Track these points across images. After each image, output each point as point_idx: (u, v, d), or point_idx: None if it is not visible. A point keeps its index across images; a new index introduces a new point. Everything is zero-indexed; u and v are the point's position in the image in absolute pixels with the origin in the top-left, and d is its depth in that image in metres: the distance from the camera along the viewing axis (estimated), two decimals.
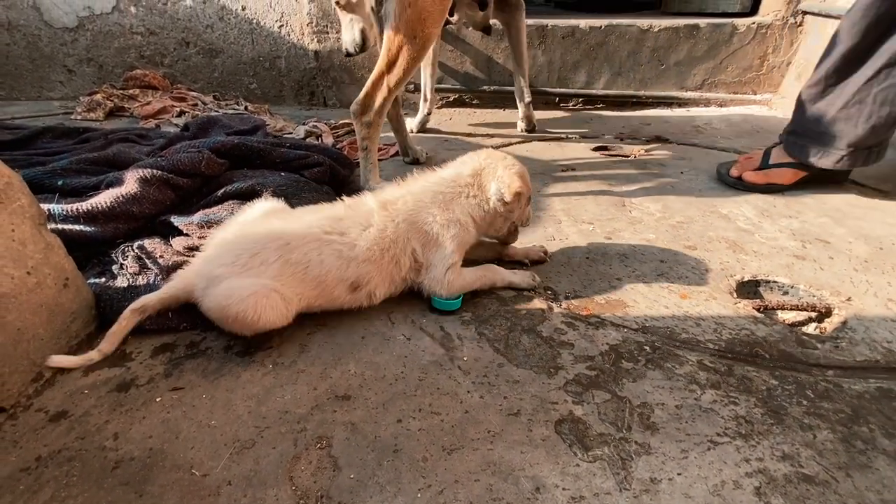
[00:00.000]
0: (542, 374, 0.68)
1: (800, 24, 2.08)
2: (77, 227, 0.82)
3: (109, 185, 0.91)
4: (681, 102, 2.20)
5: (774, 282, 0.94)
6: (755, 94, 2.20)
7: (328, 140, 1.75)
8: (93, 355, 0.68)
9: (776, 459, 0.56)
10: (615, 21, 2.12)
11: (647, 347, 0.74)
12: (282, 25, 2.17)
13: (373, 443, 0.58)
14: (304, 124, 1.90)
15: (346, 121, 1.95)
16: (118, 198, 0.85)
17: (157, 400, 0.64)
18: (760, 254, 1.02)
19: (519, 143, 1.85)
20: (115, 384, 0.67)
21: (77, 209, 0.82)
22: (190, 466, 0.55)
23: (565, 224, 1.15)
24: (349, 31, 1.42)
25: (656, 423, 0.60)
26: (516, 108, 2.29)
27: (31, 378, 0.65)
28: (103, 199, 0.84)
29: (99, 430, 0.60)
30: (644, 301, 0.86)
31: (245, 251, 0.72)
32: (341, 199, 0.84)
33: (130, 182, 0.87)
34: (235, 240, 0.76)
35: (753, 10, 2.21)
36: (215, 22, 2.19)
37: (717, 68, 2.16)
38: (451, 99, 2.29)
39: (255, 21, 2.19)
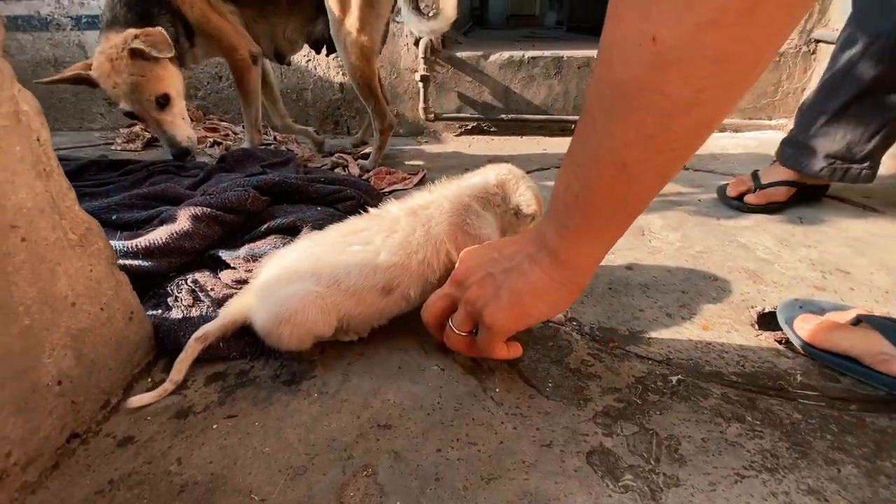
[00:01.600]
0: (572, 406, 0.71)
1: (813, 52, 2.12)
2: (136, 262, 0.89)
3: (163, 222, 0.98)
4: None
5: None
6: (770, 120, 2.23)
7: (354, 170, 1.83)
8: (167, 386, 0.74)
9: (802, 493, 0.58)
10: None
11: (673, 379, 0.77)
12: (309, 60, 2.29)
13: (415, 471, 0.62)
14: (330, 155, 1.99)
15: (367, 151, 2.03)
16: (172, 234, 0.92)
17: (214, 427, 0.69)
18: (781, 284, 1.04)
19: (537, 169, 1.90)
20: (175, 411, 0.72)
21: (136, 245, 0.89)
22: (249, 491, 0.59)
23: None
24: None
25: (684, 456, 0.63)
26: (534, 135, 2.37)
27: (100, 405, 0.70)
28: (159, 235, 0.91)
29: (163, 455, 0.65)
30: (667, 332, 0.89)
31: (289, 265, 0.80)
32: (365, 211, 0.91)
33: (183, 219, 0.94)
34: (280, 260, 0.83)
35: None
36: None
37: None
38: (469, 127, 2.37)
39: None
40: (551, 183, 1.71)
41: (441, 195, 0.89)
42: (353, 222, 0.88)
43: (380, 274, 0.80)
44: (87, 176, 1.62)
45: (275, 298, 0.77)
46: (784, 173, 1.43)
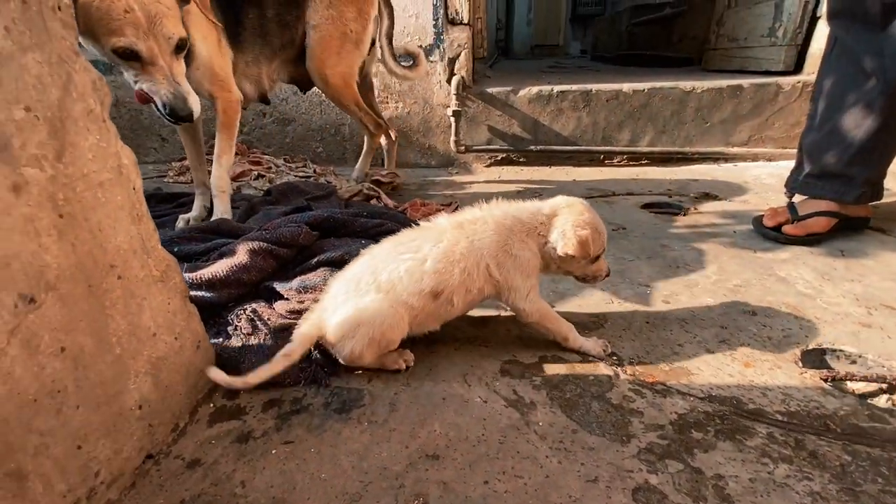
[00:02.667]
0: (616, 442, 0.73)
1: None
2: (199, 293, 0.96)
3: (222, 255, 1.06)
4: (728, 158, 2.24)
5: (841, 350, 0.95)
6: None
7: (388, 201, 1.91)
8: (249, 379, 0.80)
9: None
10: (658, 84, 2.22)
11: (716, 418, 0.77)
12: None
13: (465, 502, 0.64)
14: (364, 189, 2.07)
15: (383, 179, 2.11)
16: (232, 267, 0.99)
17: (273, 452, 0.74)
18: (824, 320, 1.03)
19: None
20: (236, 436, 0.77)
21: (200, 277, 0.97)
22: None
23: (622, 287, 1.20)
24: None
25: (731, 496, 0.63)
26: (563, 165, 2.42)
27: (171, 428, 0.76)
28: (220, 268, 0.99)
29: (228, 477, 0.69)
30: (708, 369, 0.89)
31: (353, 280, 0.88)
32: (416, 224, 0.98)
33: (241, 253, 1.02)
34: (345, 275, 0.91)
35: (797, 68, 2.26)
36: (289, 96, 2.47)
37: (763, 125, 2.20)
38: (499, 158, 2.44)
39: (323, 94, 2.46)
40: None
41: (489, 214, 0.94)
42: (405, 233, 0.95)
43: (427, 279, 0.87)
44: None
45: (349, 307, 0.85)
46: (824, 204, 1.42)
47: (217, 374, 0.80)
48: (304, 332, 0.86)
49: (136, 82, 1.20)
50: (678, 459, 0.69)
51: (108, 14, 1.08)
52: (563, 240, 0.90)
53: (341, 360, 0.88)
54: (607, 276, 0.99)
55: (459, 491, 0.66)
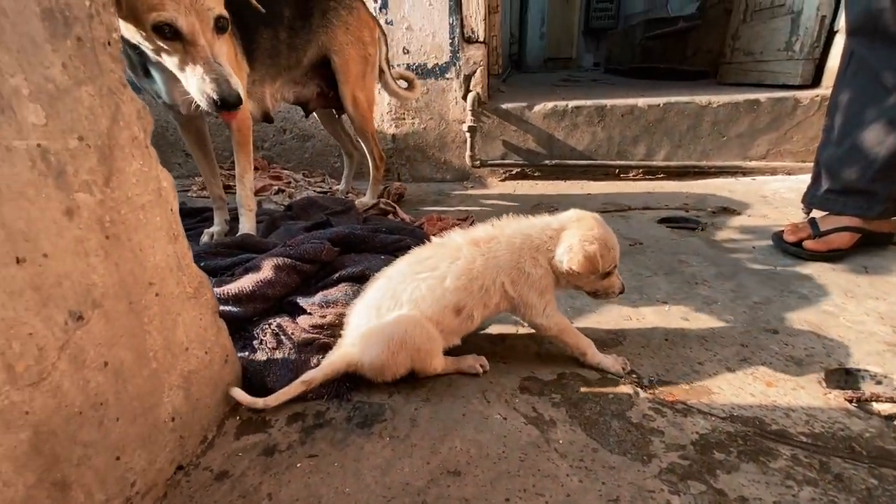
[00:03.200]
0: (637, 462, 0.73)
1: None
2: (226, 307, 0.99)
3: (247, 270, 1.10)
4: (745, 172, 2.23)
5: (866, 370, 0.94)
6: None
7: (404, 216, 1.94)
8: (269, 401, 0.84)
9: None
10: (673, 99, 2.23)
11: (739, 438, 0.77)
12: None
13: None
14: (380, 204, 2.11)
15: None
16: (258, 283, 1.02)
17: (298, 465, 0.75)
18: (847, 339, 1.02)
19: None
20: (262, 448, 0.79)
21: (227, 292, 1.00)
22: None
23: (640, 303, 1.20)
24: None
25: None
26: (577, 179, 2.43)
27: (199, 440, 0.79)
28: (246, 283, 1.02)
29: (255, 490, 0.71)
30: (729, 388, 0.89)
31: (372, 307, 0.90)
32: (429, 240, 1.00)
33: (266, 269, 1.05)
34: (364, 303, 0.93)
35: (815, 82, 2.25)
36: None
37: (781, 138, 2.19)
38: (514, 172, 2.46)
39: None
40: None
41: (501, 231, 0.96)
42: (418, 252, 0.97)
43: (449, 296, 0.89)
44: None
45: (376, 334, 0.86)
46: (846, 219, 1.41)
47: (240, 395, 0.82)
48: (331, 362, 0.88)
49: (180, 69, 1.15)
50: (700, 480, 0.69)
51: None
52: (569, 254, 0.89)
53: (384, 381, 0.90)
54: (621, 292, 0.98)
55: None
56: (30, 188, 0.50)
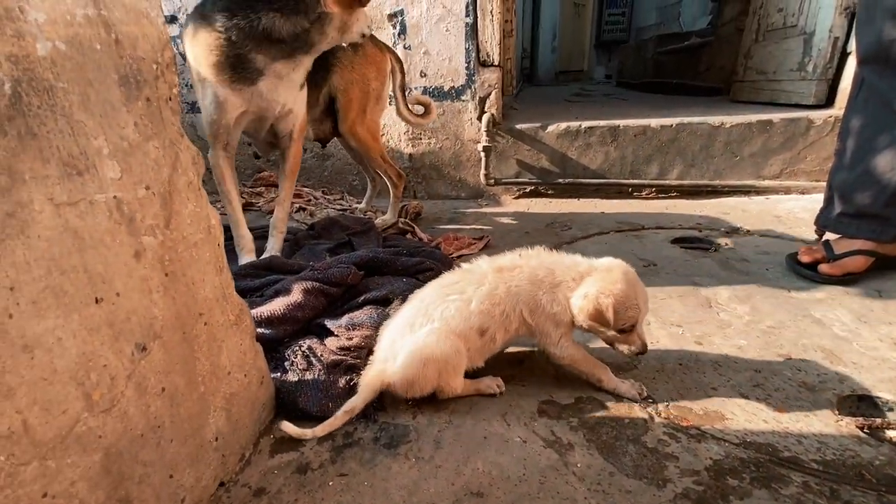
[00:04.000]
0: (652, 486, 0.76)
1: None
2: (259, 329, 1.05)
3: (277, 293, 1.16)
4: (759, 191, 2.25)
5: (878, 397, 0.96)
6: None
7: (421, 235, 1.99)
8: (316, 431, 0.89)
9: None
10: (686, 119, 2.27)
11: (751, 465, 0.80)
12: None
13: None
14: (399, 223, 2.18)
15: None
16: (289, 305, 1.08)
17: (330, 484, 0.80)
18: (861, 365, 1.04)
19: (597, 234, 1.98)
20: (295, 467, 0.84)
21: (260, 315, 1.06)
22: None
23: (654, 326, 1.24)
24: None
25: None
26: (591, 198, 2.47)
27: (238, 458, 0.84)
28: (277, 306, 1.08)
29: None
30: (742, 414, 0.92)
31: (406, 325, 0.96)
32: (459, 266, 1.05)
33: (296, 292, 1.11)
34: (397, 321, 0.99)
35: (828, 102, 2.27)
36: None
37: (795, 158, 2.21)
38: (527, 190, 2.51)
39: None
40: (609, 246, 1.78)
41: (526, 262, 1.00)
42: (447, 276, 1.03)
43: (474, 318, 0.95)
44: None
45: (409, 346, 0.92)
46: (859, 242, 1.43)
47: (289, 428, 0.88)
48: (367, 384, 0.94)
49: None
50: None
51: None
52: (582, 302, 0.91)
53: (411, 396, 0.95)
54: (641, 353, 0.96)
55: None
56: (107, 236, 0.57)
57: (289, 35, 1.33)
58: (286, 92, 1.51)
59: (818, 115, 2.14)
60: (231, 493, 0.79)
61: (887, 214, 1.39)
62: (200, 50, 1.36)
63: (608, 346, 1.01)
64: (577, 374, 1.01)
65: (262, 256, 1.54)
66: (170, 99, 0.68)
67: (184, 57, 1.48)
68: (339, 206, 2.44)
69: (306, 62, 1.49)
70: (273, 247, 1.59)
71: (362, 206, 2.33)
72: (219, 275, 0.78)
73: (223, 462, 0.79)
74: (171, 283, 0.67)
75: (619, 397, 0.97)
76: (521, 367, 1.10)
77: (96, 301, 0.55)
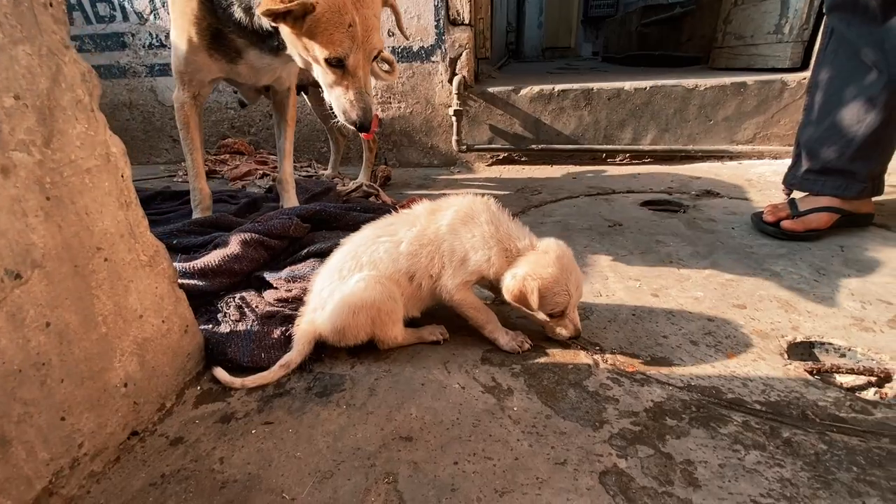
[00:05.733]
0: (588, 427, 0.73)
1: None
2: (192, 281, 0.99)
3: (216, 246, 1.10)
4: (732, 156, 2.22)
5: (830, 344, 0.94)
6: None
7: (386, 198, 1.93)
8: (246, 382, 0.85)
9: None
10: (660, 82, 2.21)
11: (692, 406, 0.77)
12: None
13: (433, 481, 0.65)
14: (363, 186, 2.11)
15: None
16: (224, 257, 1.02)
17: (253, 432, 0.76)
18: (815, 314, 1.02)
19: (566, 198, 1.93)
20: (219, 416, 0.80)
21: (193, 266, 1.00)
22: (281, 491, 0.65)
23: (612, 280, 1.20)
24: None
25: (699, 480, 0.63)
26: (564, 164, 2.42)
27: (157, 408, 0.79)
28: (213, 258, 1.02)
29: (208, 454, 0.72)
30: (690, 360, 0.89)
31: (335, 270, 0.91)
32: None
33: (234, 244, 1.05)
34: (328, 267, 0.94)
35: (804, 65, 2.23)
36: None
37: (768, 122, 2.17)
38: (500, 157, 2.45)
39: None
40: (577, 211, 1.74)
41: (466, 204, 0.94)
42: (383, 219, 0.98)
43: (402, 260, 0.90)
44: (153, 205, 1.81)
45: (338, 294, 0.87)
46: (825, 199, 1.40)
47: (220, 374, 0.84)
48: (302, 335, 0.89)
49: (329, 87, 1.21)
50: (649, 445, 0.69)
51: (339, 22, 1.10)
52: (510, 282, 0.87)
53: (345, 345, 0.90)
54: (573, 337, 0.91)
55: (429, 470, 0.67)
56: None
57: (260, 29, 1.21)
58: (269, 73, 1.44)
59: (792, 78, 2.10)
60: (146, 443, 0.74)
61: (853, 169, 1.36)
62: (181, 4, 1.26)
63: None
64: (466, 319, 0.95)
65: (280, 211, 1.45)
66: (50, 5, 0.60)
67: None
68: (306, 174, 2.35)
69: (288, 57, 1.31)
70: (290, 202, 1.54)
71: (328, 171, 2.26)
72: (124, 209, 0.72)
73: (136, 410, 0.74)
74: (56, 209, 0.61)
75: (565, 344, 0.93)
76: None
77: None
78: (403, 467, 0.68)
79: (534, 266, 0.87)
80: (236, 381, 0.84)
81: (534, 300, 0.84)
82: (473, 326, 0.96)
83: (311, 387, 0.86)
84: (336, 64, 1.16)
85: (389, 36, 2.28)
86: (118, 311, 0.70)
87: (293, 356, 0.88)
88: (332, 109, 1.23)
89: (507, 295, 0.88)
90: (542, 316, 0.91)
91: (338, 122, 1.24)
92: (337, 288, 0.87)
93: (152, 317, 0.77)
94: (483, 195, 0.99)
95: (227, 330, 0.92)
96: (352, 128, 1.23)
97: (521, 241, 0.92)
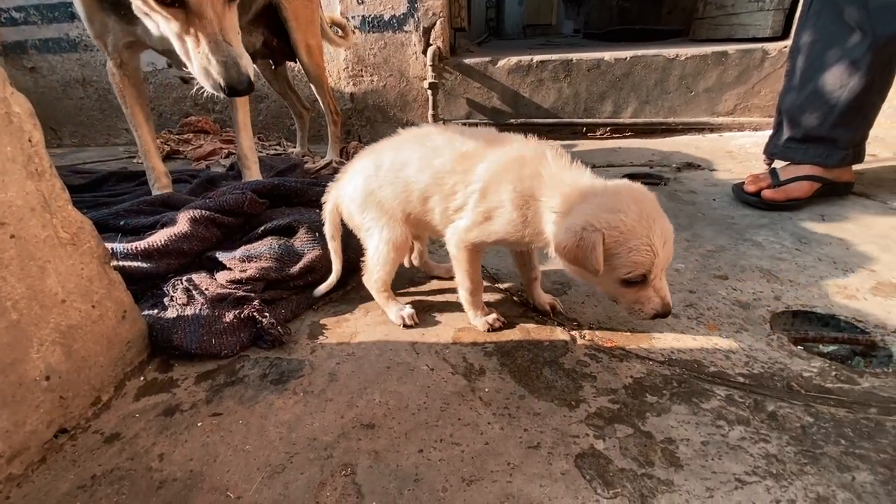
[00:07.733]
0: (564, 407, 0.68)
1: None
2: (136, 263, 0.90)
3: (164, 225, 1.00)
4: (713, 128, 2.18)
5: (812, 313, 0.91)
6: None
7: None
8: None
9: (810, 501, 0.53)
10: (640, 52, 2.14)
11: (673, 381, 0.73)
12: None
13: (395, 471, 0.60)
14: (333, 163, 2.01)
15: None
16: (171, 236, 0.93)
17: (199, 425, 0.69)
18: (797, 283, 0.98)
19: None
20: (163, 409, 0.72)
21: (136, 247, 0.91)
22: (226, 489, 0.58)
23: None
24: None
25: (680, 459, 0.59)
26: (544, 138, 2.34)
27: (90, 402, 0.71)
28: (158, 237, 0.93)
29: (146, 451, 0.65)
30: (671, 333, 0.84)
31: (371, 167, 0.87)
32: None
33: (182, 222, 0.96)
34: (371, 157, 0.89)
35: (784, 33, 2.19)
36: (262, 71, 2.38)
37: (749, 93, 2.13)
38: None
39: (296, 69, 2.37)
40: None
41: (518, 147, 0.80)
42: (434, 131, 0.85)
43: (424, 180, 0.80)
44: (106, 186, 1.69)
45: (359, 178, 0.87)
46: (806, 168, 1.37)
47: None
48: (329, 208, 0.93)
49: (179, 40, 0.96)
50: (628, 424, 0.65)
51: None
52: (562, 235, 0.66)
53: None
54: (658, 316, 0.70)
55: (391, 460, 0.61)
56: None
57: None
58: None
59: (773, 46, 2.06)
60: (77, 441, 0.67)
61: (834, 136, 1.32)
62: None
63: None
64: (455, 272, 0.87)
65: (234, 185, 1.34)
66: None
67: None
68: (274, 152, 2.24)
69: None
70: (252, 179, 1.41)
71: (297, 149, 2.15)
72: (34, 179, 0.62)
73: (63, 405, 0.66)
74: None
75: (541, 321, 0.88)
76: (443, 296, 0.99)
77: None
78: (363, 458, 0.62)
79: (596, 210, 0.65)
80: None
81: (597, 258, 0.62)
82: (456, 284, 0.88)
83: (267, 374, 0.79)
84: (170, 2, 0.90)
85: (359, 4, 2.15)
86: (33, 295, 0.62)
87: (329, 227, 0.93)
88: (195, 79, 0.98)
89: (556, 249, 0.67)
90: (614, 286, 0.68)
91: (203, 91, 0.96)
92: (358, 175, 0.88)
93: (79, 301, 0.68)
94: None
95: (174, 315, 0.84)
96: (222, 94, 0.97)
97: (579, 179, 0.72)
